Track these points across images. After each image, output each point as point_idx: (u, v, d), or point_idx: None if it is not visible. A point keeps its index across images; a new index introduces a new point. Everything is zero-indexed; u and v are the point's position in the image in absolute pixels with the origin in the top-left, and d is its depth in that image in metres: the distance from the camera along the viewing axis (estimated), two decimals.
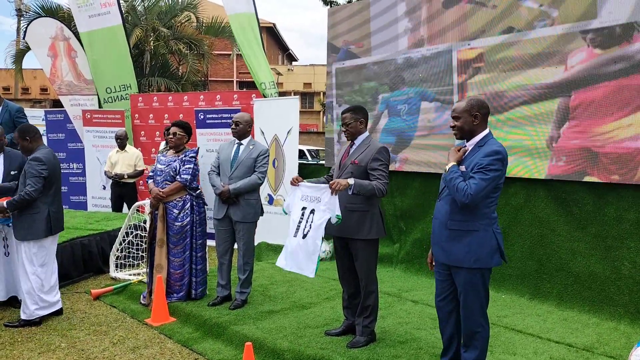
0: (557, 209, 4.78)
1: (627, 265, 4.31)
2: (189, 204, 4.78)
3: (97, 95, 9.52)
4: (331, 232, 3.76)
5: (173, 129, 4.81)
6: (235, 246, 4.76)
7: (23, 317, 4.42)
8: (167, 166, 4.78)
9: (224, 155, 4.73)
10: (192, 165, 4.75)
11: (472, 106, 2.99)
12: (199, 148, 5.52)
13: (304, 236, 3.58)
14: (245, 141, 4.72)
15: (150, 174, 4.92)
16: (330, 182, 3.52)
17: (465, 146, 3.06)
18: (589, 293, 4.47)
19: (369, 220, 3.63)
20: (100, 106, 9.46)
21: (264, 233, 7.18)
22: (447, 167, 2.99)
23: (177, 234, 4.74)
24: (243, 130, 4.69)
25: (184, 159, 4.78)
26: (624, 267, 4.32)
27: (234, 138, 4.74)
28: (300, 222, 3.65)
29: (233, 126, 4.70)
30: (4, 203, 4.28)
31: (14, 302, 4.83)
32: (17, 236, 4.36)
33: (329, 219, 3.49)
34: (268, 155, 4.72)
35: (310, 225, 3.56)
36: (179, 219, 4.73)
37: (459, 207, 2.94)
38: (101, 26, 9.26)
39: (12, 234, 4.47)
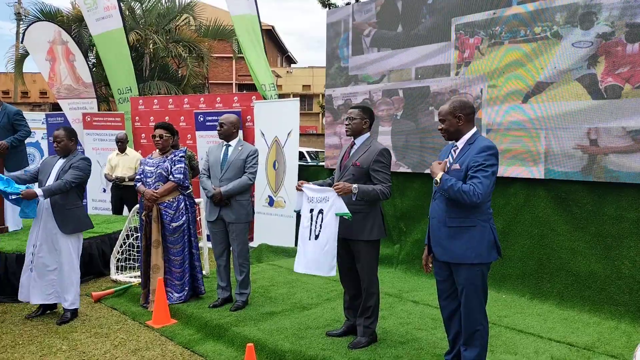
0: (557, 209, 4.79)
1: (627, 265, 4.32)
2: (183, 204, 4.80)
3: (112, 95, 9.64)
4: None
5: (158, 132, 4.82)
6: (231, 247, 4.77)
7: (71, 307, 4.60)
8: (156, 167, 4.79)
9: (214, 157, 4.74)
10: (183, 165, 4.79)
11: (455, 108, 3.06)
12: (186, 148, 5.53)
13: (317, 237, 3.60)
14: (233, 142, 4.73)
15: (138, 177, 4.93)
16: (335, 185, 3.53)
17: (454, 148, 3.10)
18: (590, 292, 4.48)
19: (370, 221, 3.64)
20: (110, 108, 9.56)
21: (264, 235, 7.22)
22: (438, 179, 3.01)
23: (174, 233, 4.76)
24: (228, 132, 4.69)
25: (173, 158, 4.79)
26: (624, 266, 4.33)
27: (222, 140, 4.76)
28: (310, 224, 3.66)
29: (218, 127, 4.72)
30: (39, 190, 4.34)
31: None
32: (66, 230, 4.49)
33: (340, 217, 3.50)
34: (257, 156, 4.72)
35: (320, 225, 3.58)
36: (175, 219, 4.75)
37: (456, 204, 2.96)
38: (106, 29, 9.39)
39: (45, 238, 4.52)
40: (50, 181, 4.49)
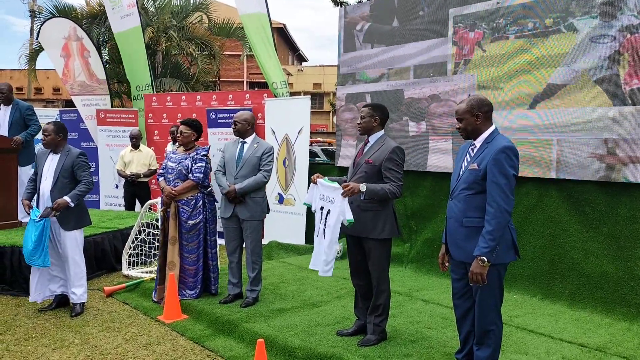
0: (570, 209, 4.75)
1: None
2: (201, 202, 4.81)
3: (125, 92, 9.78)
4: (345, 230, 3.77)
5: (180, 127, 4.86)
6: (244, 244, 4.78)
7: (81, 301, 4.69)
8: (178, 164, 4.81)
9: (229, 154, 4.75)
10: (204, 164, 4.79)
11: (472, 106, 3.00)
12: (210, 146, 5.53)
13: (324, 236, 3.62)
14: (249, 139, 4.74)
15: (161, 171, 4.96)
16: (342, 185, 3.54)
17: (472, 147, 3.07)
18: (602, 293, 4.45)
19: (382, 219, 3.64)
20: (122, 105, 9.68)
21: (274, 232, 7.23)
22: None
23: (190, 231, 4.78)
24: (243, 129, 4.71)
25: (195, 157, 4.81)
26: (637, 267, 4.29)
27: (237, 137, 4.78)
28: (320, 222, 3.68)
29: (232, 126, 4.74)
30: (66, 198, 4.47)
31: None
32: (67, 227, 4.58)
33: (342, 221, 3.51)
34: (272, 153, 4.73)
35: (326, 224, 3.60)
36: (192, 217, 4.77)
37: (473, 204, 2.94)
38: (128, 27, 9.55)
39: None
40: (49, 179, 4.58)
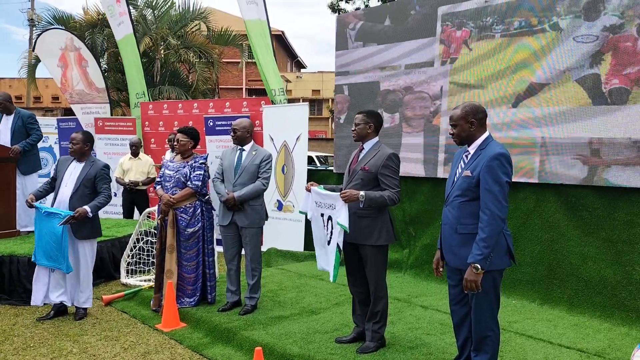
0: (567, 214, 4.75)
1: (639, 270, 4.28)
2: (199, 210, 4.81)
3: (124, 100, 9.80)
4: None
5: (177, 136, 4.87)
6: (243, 252, 4.78)
7: (85, 306, 4.81)
8: (176, 172, 4.81)
9: (227, 162, 4.76)
10: (202, 172, 4.80)
11: (467, 113, 3.00)
12: (208, 154, 5.54)
13: (329, 242, 3.62)
14: (247, 147, 4.75)
15: (158, 179, 4.96)
16: (341, 193, 3.54)
17: (466, 153, 3.07)
18: (600, 298, 4.44)
19: (378, 226, 3.64)
20: (124, 113, 9.70)
21: (273, 239, 7.23)
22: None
23: (188, 239, 4.78)
24: (242, 137, 4.72)
25: (193, 165, 4.81)
26: (635, 272, 4.30)
27: (236, 144, 4.79)
28: (325, 228, 3.67)
29: (232, 133, 4.75)
30: (87, 208, 4.55)
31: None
32: (80, 236, 4.66)
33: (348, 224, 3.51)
34: (271, 160, 4.74)
35: (331, 232, 3.60)
36: (191, 225, 4.77)
37: (467, 211, 2.94)
38: (123, 34, 9.64)
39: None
40: (70, 186, 4.64)
